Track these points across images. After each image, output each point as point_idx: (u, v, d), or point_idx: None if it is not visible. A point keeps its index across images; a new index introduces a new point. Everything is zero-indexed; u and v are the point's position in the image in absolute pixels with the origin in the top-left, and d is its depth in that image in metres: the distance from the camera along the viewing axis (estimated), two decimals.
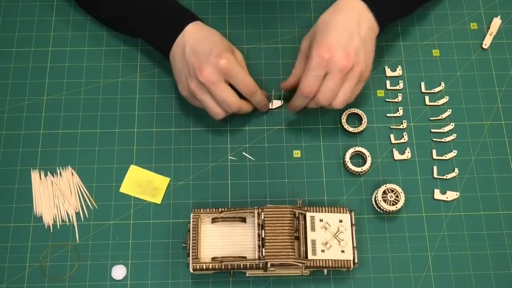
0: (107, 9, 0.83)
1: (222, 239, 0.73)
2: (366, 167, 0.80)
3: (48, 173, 0.80)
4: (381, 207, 0.77)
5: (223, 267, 0.71)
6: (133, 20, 0.81)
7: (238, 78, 0.75)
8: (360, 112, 0.83)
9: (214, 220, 0.73)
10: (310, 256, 0.71)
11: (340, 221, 0.73)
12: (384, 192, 0.78)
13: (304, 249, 0.72)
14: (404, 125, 0.84)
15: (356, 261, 0.72)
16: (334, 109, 0.77)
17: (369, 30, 0.77)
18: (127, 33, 0.85)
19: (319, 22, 0.77)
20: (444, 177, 0.81)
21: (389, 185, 0.78)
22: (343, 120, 0.83)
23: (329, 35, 0.74)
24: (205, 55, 0.74)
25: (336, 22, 0.75)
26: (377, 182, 0.81)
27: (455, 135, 0.83)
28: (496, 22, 0.90)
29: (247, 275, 0.74)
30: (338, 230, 0.73)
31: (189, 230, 0.73)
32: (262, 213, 0.72)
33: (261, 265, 0.71)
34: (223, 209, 0.74)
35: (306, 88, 0.75)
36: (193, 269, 0.71)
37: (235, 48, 0.81)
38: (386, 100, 0.85)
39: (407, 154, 0.82)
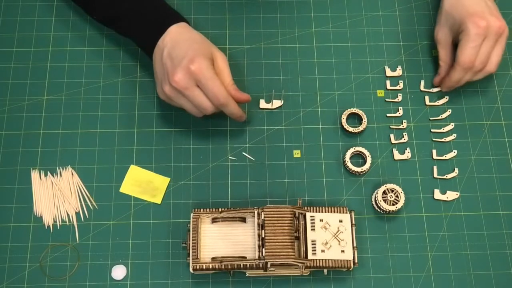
0: (96, 9, 0.83)
1: (222, 239, 0.73)
2: (366, 167, 0.80)
3: (48, 173, 0.80)
4: (381, 207, 0.77)
5: (223, 267, 0.71)
6: (120, 21, 0.81)
7: (208, 87, 0.73)
8: (360, 112, 0.83)
9: (214, 220, 0.73)
10: (310, 256, 0.71)
11: (340, 221, 0.73)
12: (384, 192, 0.78)
13: (304, 249, 0.72)
14: (404, 125, 0.84)
15: (356, 261, 0.72)
16: (486, 75, 0.81)
17: None
18: (118, 33, 0.84)
19: (447, 6, 0.83)
20: (444, 177, 0.81)
21: (389, 185, 0.78)
22: (343, 120, 0.83)
23: (470, 7, 0.80)
24: (179, 60, 0.73)
25: None
26: (377, 182, 0.81)
27: (455, 135, 0.83)
28: None
29: (247, 275, 0.74)
30: (338, 230, 0.73)
31: (189, 230, 0.73)
32: (262, 213, 0.72)
33: (261, 265, 0.71)
34: (223, 209, 0.74)
35: (467, 59, 0.78)
36: (193, 269, 0.71)
37: (218, 52, 0.78)
38: (386, 100, 0.85)
39: (407, 154, 0.82)
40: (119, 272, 0.75)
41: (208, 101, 0.74)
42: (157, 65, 0.77)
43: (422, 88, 0.86)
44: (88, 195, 0.79)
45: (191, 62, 0.72)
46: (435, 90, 0.85)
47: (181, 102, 0.75)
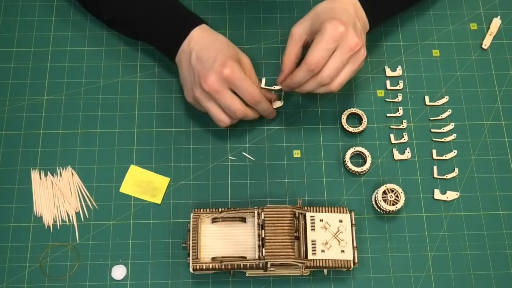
0: (111, 13, 0.83)
1: (222, 239, 0.73)
2: (366, 167, 0.80)
3: (48, 173, 0.80)
4: (381, 207, 0.77)
5: (223, 267, 0.71)
6: (137, 25, 0.81)
7: (242, 87, 0.74)
8: (360, 112, 0.83)
9: (214, 220, 0.73)
10: (310, 256, 0.71)
11: (340, 221, 0.73)
12: (384, 192, 0.78)
13: (304, 249, 0.72)
14: (404, 125, 0.84)
15: (356, 261, 0.72)
16: (328, 92, 0.75)
17: (364, 24, 0.77)
18: (131, 37, 0.85)
19: (319, 9, 0.76)
20: (444, 177, 0.81)
21: (389, 185, 0.78)
22: (343, 120, 0.83)
23: (338, 14, 0.73)
24: (210, 63, 0.74)
25: (340, 8, 0.75)
26: (377, 182, 0.81)
27: (455, 135, 0.83)
28: (496, 23, 0.90)
29: (247, 275, 0.74)
30: (338, 230, 0.73)
31: (189, 230, 0.73)
32: (262, 213, 0.72)
33: (261, 265, 0.71)
34: (223, 209, 0.74)
35: (314, 60, 0.71)
36: (193, 269, 0.71)
37: (243, 54, 0.79)
38: (386, 100, 0.86)
39: (407, 154, 0.82)
40: (119, 272, 0.75)
41: (238, 103, 0.75)
42: (184, 69, 0.77)
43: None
44: (88, 195, 0.79)
45: (223, 65, 0.73)
46: (277, 87, 0.80)
47: (209, 106, 0.76)
